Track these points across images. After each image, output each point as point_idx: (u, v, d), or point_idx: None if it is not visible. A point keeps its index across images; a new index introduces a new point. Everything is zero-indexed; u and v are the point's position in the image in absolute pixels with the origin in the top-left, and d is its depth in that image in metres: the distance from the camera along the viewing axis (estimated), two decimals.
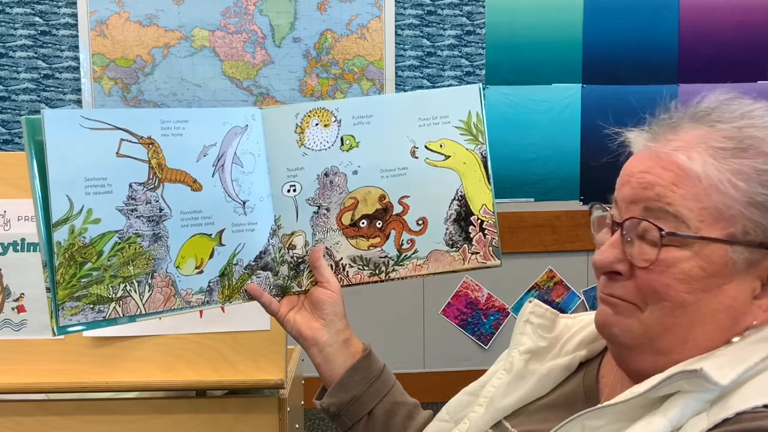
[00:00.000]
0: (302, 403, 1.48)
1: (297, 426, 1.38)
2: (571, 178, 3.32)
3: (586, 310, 0.86)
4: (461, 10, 3.20)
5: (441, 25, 3.20)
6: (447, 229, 1.06)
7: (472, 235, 1.06)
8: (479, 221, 1.06)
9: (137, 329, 1.23)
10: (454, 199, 1.06)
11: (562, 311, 0.93)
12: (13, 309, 1.22)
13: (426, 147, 1.04)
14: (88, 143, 0.88)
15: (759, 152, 0.70)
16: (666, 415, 0.67)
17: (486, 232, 1.07)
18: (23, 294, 1.22)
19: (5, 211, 1.21)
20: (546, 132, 3.28)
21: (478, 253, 1.07)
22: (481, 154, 1.06)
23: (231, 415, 1.24)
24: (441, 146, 1.05)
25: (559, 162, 3.30)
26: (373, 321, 3.22)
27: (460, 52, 3.22)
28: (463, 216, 1.06)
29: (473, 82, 3.22)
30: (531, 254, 3.33)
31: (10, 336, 1.22)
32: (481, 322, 3.35)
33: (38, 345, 1.22)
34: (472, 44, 3.22)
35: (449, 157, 1.05)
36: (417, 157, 1.04)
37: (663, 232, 0.71)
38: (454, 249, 1.06)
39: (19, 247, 1.22)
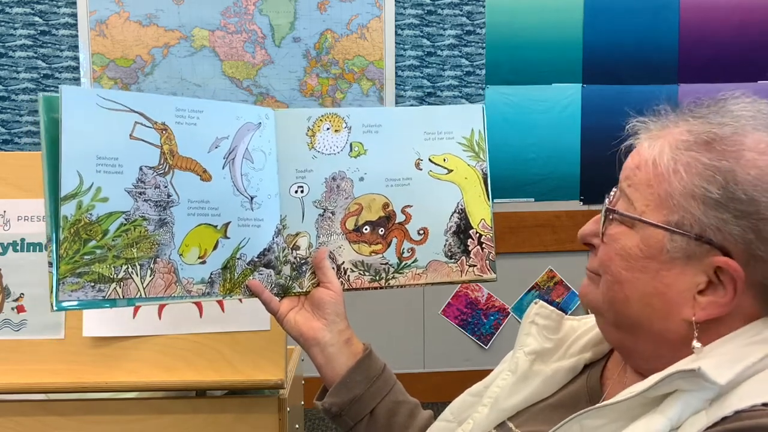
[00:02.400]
0: (302, 403, 1.48)
1: (297, 426, 1.38)
2: (571, 178, 3.32)
3: (587, 311, 0.87)
4: (461, 10, 3.20)
5: (441, 25, 3.20)
6: (447, 240, 1.08)
7: (470, 248, 1.09)
8: (477, 235, 1.09)
9: (137, 329, 1.22)
10: (455, 212, 1.08)
11: (563, 311, 0.94)
12: (12, 309, 1.22)
13: (430, 160, 1.08)
14: (103, 122, 0.89)
15: (712, 148, 0.71)
16: (665, 413, 0.67)
17: (484, 246, 1.10)
18: (23, 294, 1.22)
19: (5, 211, 1.21)
20: (546, 132, 3.28)
21: (476, 265, 1.10)
22: (482, 171, 1.10)
23: (231, 415, 1.24)
24: (444, 160, 1.08)
25: (559, 162, 3.30)
26: (374, 321, 3.22)
27: (460, 52, 3.22)
28: (462, 229, 1.09)
29: (473, 82, 3.23)
30: (531, 254, 3.33)
31: (10, 336, 1.22)
32: (481, 322, 3.35)
33: (38, 345, 1.22)
34: (472, 44, 3.22)
35: (452, 171, 1.08)
36: (421, 169, 1.07)
37: (605, 208, 0.78)
38: (452, 260, 1.09)
39: (19, 247, 1.22)
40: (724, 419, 0.64)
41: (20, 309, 1.22)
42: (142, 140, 0.92)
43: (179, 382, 1.23)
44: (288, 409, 1.25)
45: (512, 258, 3.30)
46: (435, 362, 3.35)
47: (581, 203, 3.33)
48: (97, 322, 1.22)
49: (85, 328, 1.22)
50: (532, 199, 3.31)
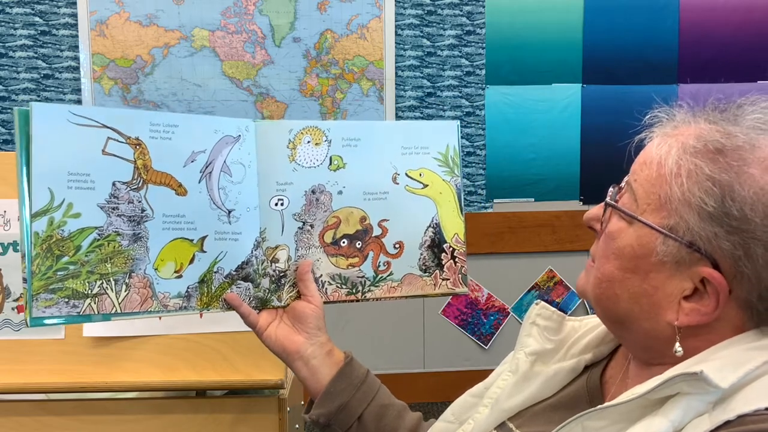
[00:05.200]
0: (302, 403, 1.47)
1: (297, 426, 1.38)
2: (571, 178, 3.32)
3: (587, 311, 0.87)
4: (461, 10, 3.20)
5: (441, 25, 3.20)
6: (421, 254, 1.10)
7: (443, 262, 1.11)
8: (451, 249, 1.11)
9: (137, 329, 1.22)
10: (430, 226, 1.10)
11: (563, 311, 0.94)
12: (13, 309, 1.22)
13: (407, 174, 1.09)
14: (74, 139, 0.88)
15: (716, 159, 0.70)
16: (667, 416, 0.67)
17: (457, 260, 1.12)
18: (23, 294, 1.22)
19: (5, 211, 1.21)
20: (546, 132, 3.28)
21: (449, 279, 1.11)
22: (456, 186, 1.12)
23: (231, 415, 1.24)
24: (420, 175, 1.10)
25: (559, 162, 3.30)
26: (374, 321, 3.22)
27: (460, 52, 3.22)
28: (436, 243, 1.11)
29: (473, 82, 3.23)
30: (531, 254, 3.33)
31: (10, 336, 1.22)
32: (481, 322, 3.35)
33: (38, 345, 1.22)
34: (472, 44, 3.22)
35: (427, 186, 1.10)
36: (398, 183, 1.09)
37: (607, 201, 0.79)
38: (426, 274, 1.10)
39: (19, 247, 1.22)
40: (727, 423, 0.64)
41: (20, 309, 1.22)
42: (115, 155, 0.91)
43: (179, 382, 1.23)
44: (288, 409, 1.25)
45: (512, 258, 3.30)
46: (435, 362, 3.34)
47: (581, 203, 3.33)
48: (97, 322, 1.21)
49: (85, 328, 1.22)
50: (532, 199, 3.31)
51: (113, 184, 0.91)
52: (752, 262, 0.69)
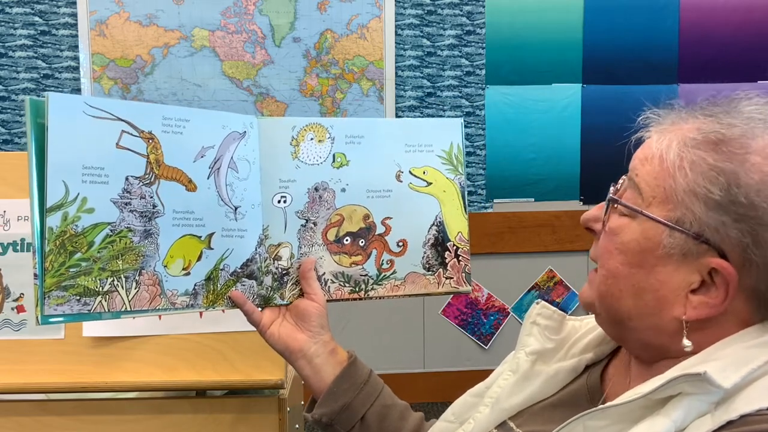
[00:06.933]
0: (302, 403, 1.47)
1: (297, 426, 1.38)
2: (571, 178, 3.32)
3: (587, 312, 0.87)
4: (461, 10, 3.20)
5: (441, 25, 3.20)
6: (425, 252, 1.09)
7: (447, 261, 1.10)
8: (455, 247, 1.11)
9: (137, 329, 1.22)
10: (433, 224, 1.10)
11: (563, 311, 0.94)
12: (12, 309, 1.22)
13: (410, 172, 1.09)
14: (90, 131, 0.87)
15: (718, 149, 0.71)
16: (670, 416, 0.67)
17: (460, 258, 1.11)
18: (23, 294, 1.22)
19: (5, 211, 1.21)
20: (546, 132, 3.28)
21: (452, 278, 1.11)
22: (460, 184, 1.11)
23: (231, 415, 1.23)
24: (424, 173, 1.09)
25: (559, 162, 3.30)
26: (374, 321, 3.21)
27: (460, 52, 3.22)
28: (440, 241, 1.10)
29: (473, 82, 3.23)
30: (531, 254, 3.33)
31: (10, 336, 1.22)
32: (481, 322, 3.35)
33: (38, 345, 1.22)
34: (472, 44, 3.22)
35: (431, 183, 1.10)
36: (401, 181, 1.08)
37: (610, 197, 0.78)
38: (430, 272, 1.10)
39: (19, 247, 1.21)
40: (729, 423, 0.64)
41: (20, 309, 1.22)
42: (129, 149, 0.90)
43: (179, 382, 1.22)
44: (288, 409, 1.25)
45: (512, 258, 3.30)
46: (435, 362, 3.35)
47: (581, 203, 3.33)
48: (97, 322, 1.21)
49: (85, 328, 1.22)
50: (532, 199, 3.31)
51: (126, 179, 0.89)
52: (761, 248, 0.69)
